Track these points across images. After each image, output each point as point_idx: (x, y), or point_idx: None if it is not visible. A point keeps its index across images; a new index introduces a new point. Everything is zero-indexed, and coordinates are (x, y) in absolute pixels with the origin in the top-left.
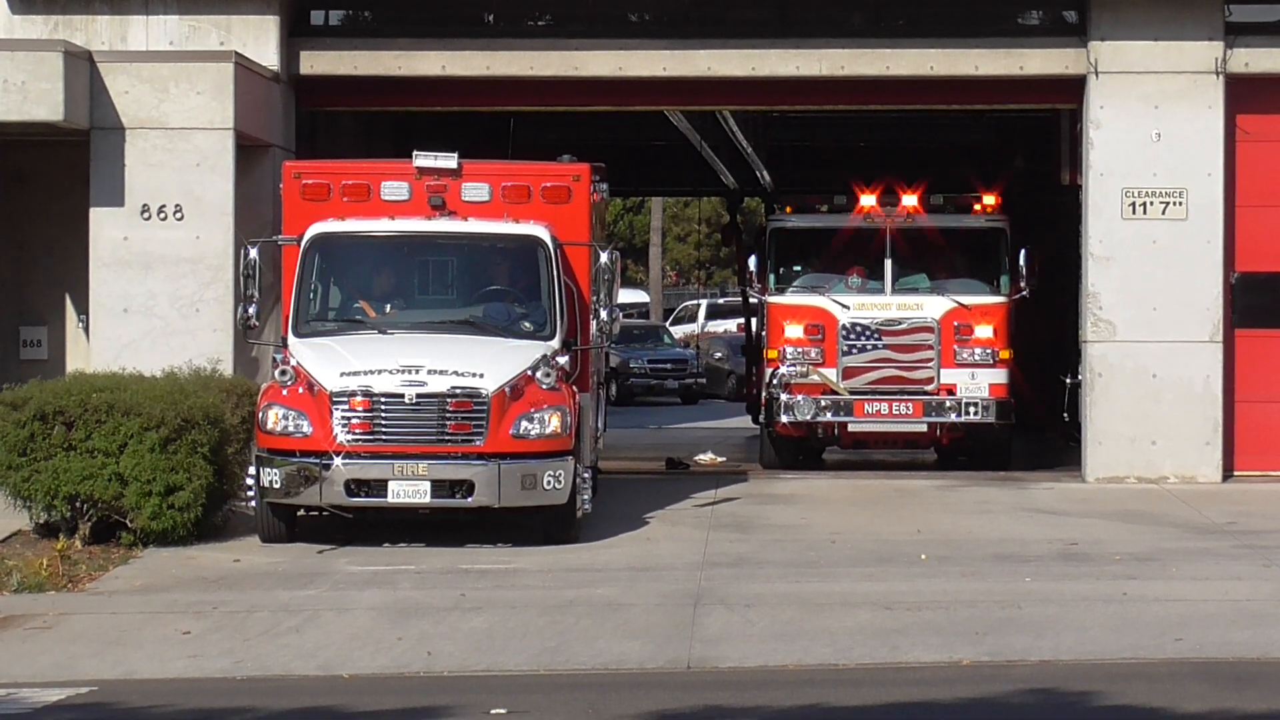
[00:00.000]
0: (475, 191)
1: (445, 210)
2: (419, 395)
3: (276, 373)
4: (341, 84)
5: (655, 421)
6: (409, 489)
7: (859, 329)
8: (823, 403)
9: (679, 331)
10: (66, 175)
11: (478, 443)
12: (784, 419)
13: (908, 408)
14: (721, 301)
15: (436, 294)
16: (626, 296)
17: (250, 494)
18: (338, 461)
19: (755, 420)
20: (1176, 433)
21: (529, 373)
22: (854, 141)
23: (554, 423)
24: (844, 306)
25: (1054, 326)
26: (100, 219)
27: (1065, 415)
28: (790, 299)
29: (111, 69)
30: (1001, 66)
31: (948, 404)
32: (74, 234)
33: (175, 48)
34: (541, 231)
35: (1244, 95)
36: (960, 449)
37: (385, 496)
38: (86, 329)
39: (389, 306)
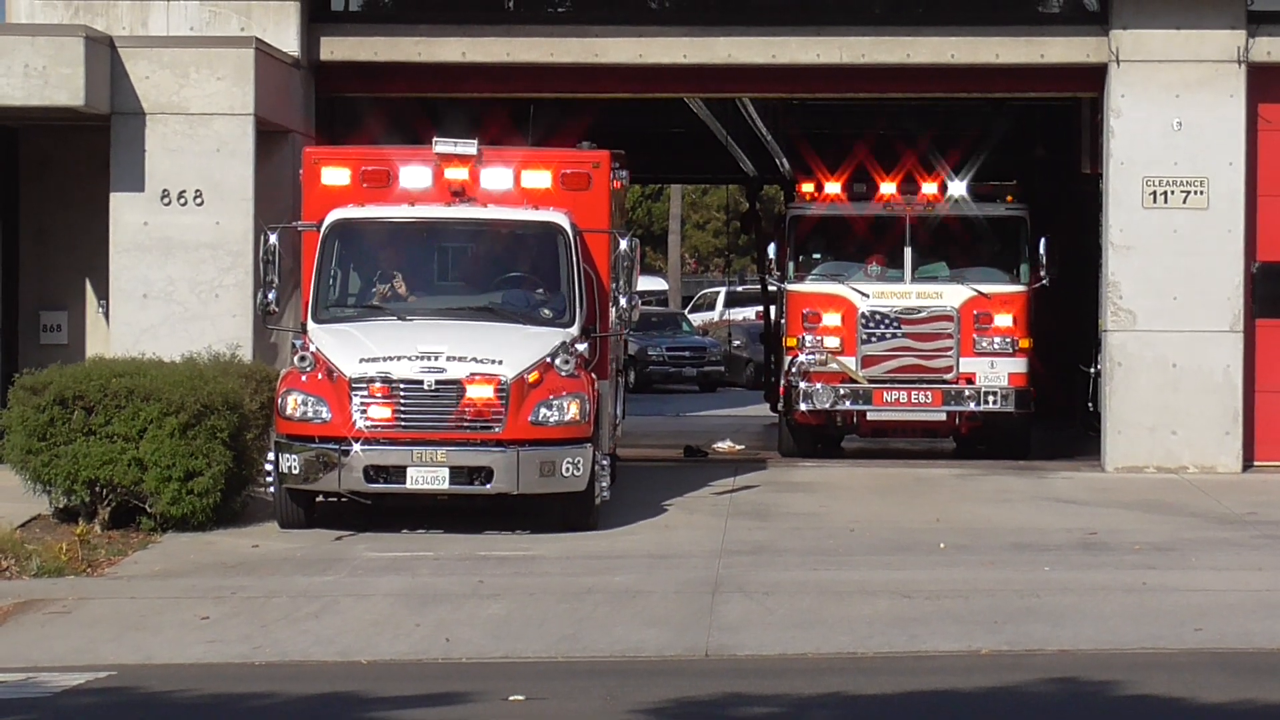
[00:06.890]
0: (495, 178)
1: (465, 197)
2: (438, 382)
3: (296, 359)
4: (361, 70)
5: (673, 409)
6: (427, 475)
7: (878, 317)
8: (841, 391)
9: (697, 319)
10: (87, 160)
11: (496, 429)
12: (803, 407)
13: (927, 396)
14: (740, 289)
15: (456, 281)
16: (645, 284)
17: (269, 479)
18: (356, 447)
19: (774, 408)
20: (1196, 422)
21: (548, 360)
22: (874, 130)
23: (573, 410)
24: (863, 295)
25: (1074, 316)
26: (120, 204)
27: (1090, 405)
28: (809, 287)
29: (132, 54)
30: (1022, 55)
31: (967, 393)
32: (94, 219)
33: (196, 33)
34: (561, 218)
35: (1266, 85)
36: (979, 438)
37: (404, 483)
38: (106, 314)
39: (408, 293)
